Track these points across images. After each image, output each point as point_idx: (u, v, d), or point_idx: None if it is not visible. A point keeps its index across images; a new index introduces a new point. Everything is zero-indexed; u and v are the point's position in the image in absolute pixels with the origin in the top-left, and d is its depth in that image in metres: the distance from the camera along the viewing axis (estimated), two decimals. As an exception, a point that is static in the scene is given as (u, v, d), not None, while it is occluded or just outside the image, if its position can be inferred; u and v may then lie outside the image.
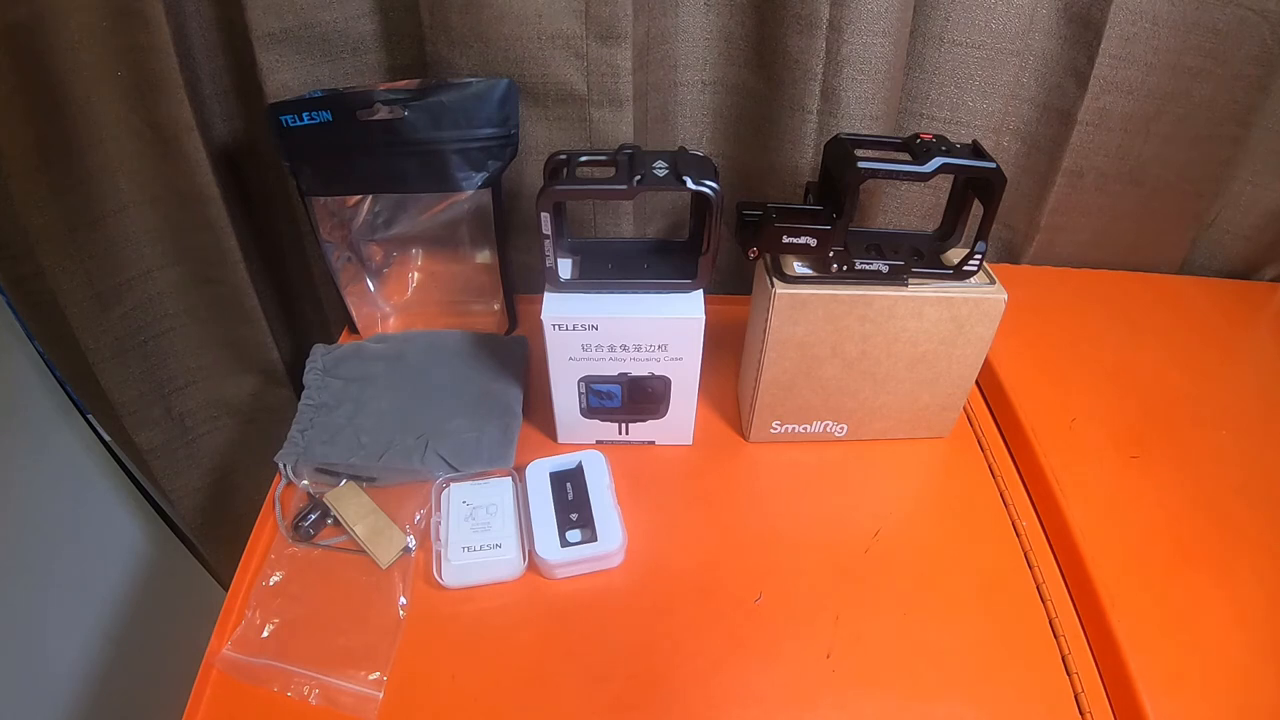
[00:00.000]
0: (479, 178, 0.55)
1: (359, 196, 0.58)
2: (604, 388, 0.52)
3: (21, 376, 0.72)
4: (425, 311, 0.66)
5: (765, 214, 0.47)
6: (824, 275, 0.48)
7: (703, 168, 0.47)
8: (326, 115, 0.52)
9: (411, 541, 0.48)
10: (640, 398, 0.52)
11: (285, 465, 0.52)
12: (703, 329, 0.49)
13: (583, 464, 0.52)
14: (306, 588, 0.46)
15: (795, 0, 0.55)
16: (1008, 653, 0.44)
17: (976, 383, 0.58)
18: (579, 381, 0.51)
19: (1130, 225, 0.71)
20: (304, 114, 0.51)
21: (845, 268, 0.47)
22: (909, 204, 0.68)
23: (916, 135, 0.46)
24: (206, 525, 0.82)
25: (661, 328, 0.49)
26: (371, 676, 0.41)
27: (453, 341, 0.62)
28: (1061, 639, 0.45)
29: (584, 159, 0.48)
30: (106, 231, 0.62)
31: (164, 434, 0.74)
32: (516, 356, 0.61)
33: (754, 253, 0.49)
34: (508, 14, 0.53)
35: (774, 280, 0.48)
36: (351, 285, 0.62)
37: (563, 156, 0.47)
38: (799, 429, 0.55)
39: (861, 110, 0.58)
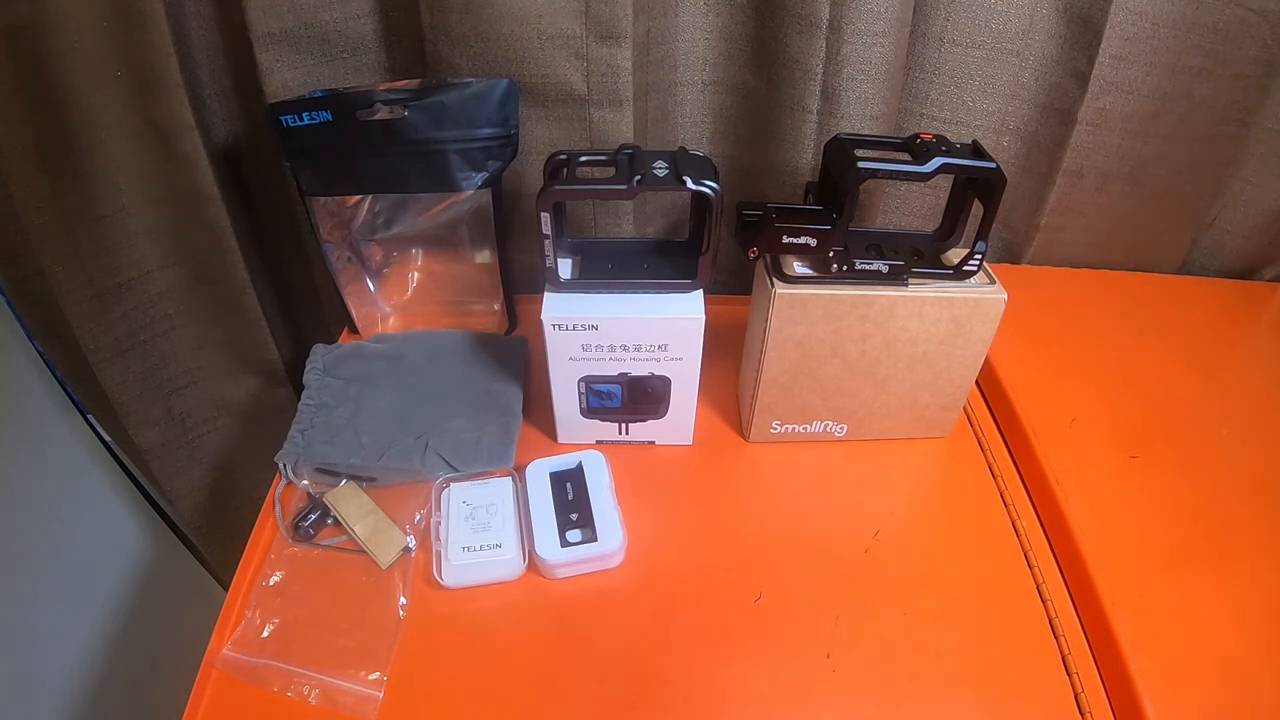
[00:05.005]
0: (479, 178, 0.55)
1: (359, 196, 0.58)
2: (604, 388, 0.52)
3: (21, 376, 0.71)
4: (425, 311, 0.66)
5: (765, 214, 0.47)
6: (824, 275, 0.48)
7: (703, 168, 0.46)
8: (326, 115, 0.52)
9: (411, 541, 0.48)
10: (640, 398, 0.52)
11: (285, 465, 0.52)
12: (703, 329, 0.49)
13: (583, 464, 0.52)
14: (306, 588, 0.46)
15: (795, 0, 0.55)
16: (1008, 653, 0.44)
17: (976, 383, 0.58)
18: (579, 381, 0.51)
19: (1130, 225, 0.71)
20: (304, 114, 0.51)
21: (845, 268, 0.47)
22: (909, 204, 0.68)
23: (916, 135, 0.46)
24: (206, 525, 0.82)
25: (661, 328, 0.49)
26: (371, 676, 0.41)
27: (453, 341, 0.62)
28: (1061, 639, 0.45)
29: (584, 159, 0.47)
30: (106, 231, 0.62)
31: (164, 434, 0.74)
32: (516, 356, 0.61)
33: (754, 253, 0.49)
34: (508, 14, 0.53)
35: (774, 280, 0.48)
36: (351, 285, 0.62)
37: (563, 156, 0.47)
38: (799, 429, 0.55)
39: (861, 110, 0.58)
